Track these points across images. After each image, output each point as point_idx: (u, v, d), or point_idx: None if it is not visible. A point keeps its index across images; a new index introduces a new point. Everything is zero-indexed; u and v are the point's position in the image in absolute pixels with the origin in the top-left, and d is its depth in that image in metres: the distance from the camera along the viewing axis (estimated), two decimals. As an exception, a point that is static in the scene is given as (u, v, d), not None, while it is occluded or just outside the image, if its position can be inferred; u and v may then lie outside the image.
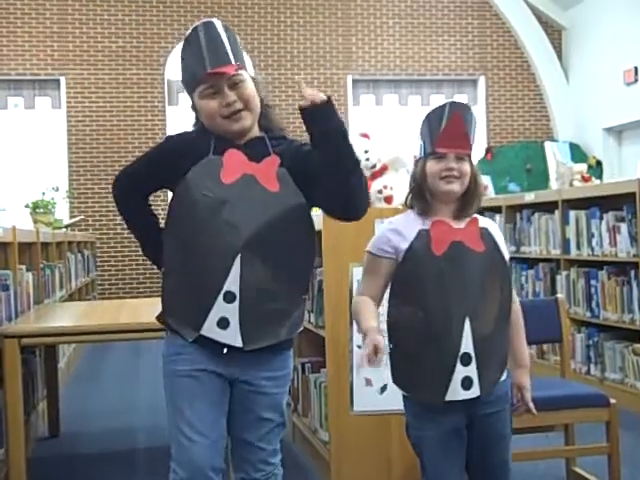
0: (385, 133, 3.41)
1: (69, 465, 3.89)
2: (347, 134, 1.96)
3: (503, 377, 2.16)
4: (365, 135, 3.25)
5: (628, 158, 10.08)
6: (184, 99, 10.03)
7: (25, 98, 9.90)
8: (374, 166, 3.19)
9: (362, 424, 3.18)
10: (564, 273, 5.29)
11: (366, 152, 3.18)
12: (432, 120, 2.13)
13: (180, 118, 9.90)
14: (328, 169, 1.93)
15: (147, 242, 2.17)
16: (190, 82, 2.03)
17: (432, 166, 2.10)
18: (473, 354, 2.05)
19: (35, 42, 9.84)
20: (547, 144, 6.05)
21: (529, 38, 10.89)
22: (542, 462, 3.37)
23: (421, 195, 2.13)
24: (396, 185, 3.20)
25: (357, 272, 3.16)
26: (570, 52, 10.91)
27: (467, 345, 2.05)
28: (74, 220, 8.74)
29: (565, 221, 5.25)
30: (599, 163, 10.02)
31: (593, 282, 4.96)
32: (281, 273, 2.00)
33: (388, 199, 3.19)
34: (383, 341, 1.96)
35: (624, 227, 4.62)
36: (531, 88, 11.02)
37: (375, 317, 2.05)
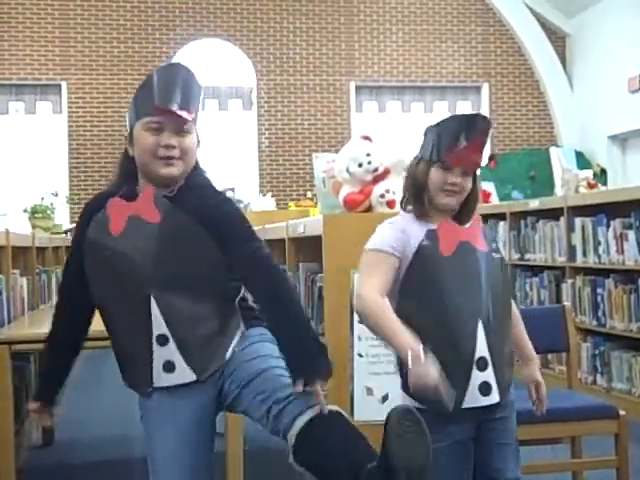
0: (388, 138, 3.32)
1: (62, 474, 3.81)
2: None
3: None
4: (367, 138, 3.16)
5: (633, 166, 10.01)
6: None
7: (26, 103, 9.87)
8: (376, 169, 3.10)
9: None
10: (570, 281, 5.20)
11: (368, 155, 3.09)
12: (452, 126, 2.04)
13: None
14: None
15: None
16: (139, 108, 1.94)
17: (436, 175, 2.02)
18: (489, 358, 1.98)
19: (36, 47, 9.81)
20: (552, 150, 5.98)
21: (533, 45, 10.84)
22: (548, 475, 3.26)
23: (419, 200, 2.06)
24: (399, 189, 3.11)
25: (358, 278, 3.07)
26: (574, 59, 10.85)
27: (482, 349, 1.97)
28: (74, 225, 8.67)
29: (571, 228, 5.17)
30: (603, 171, 9.95)
31: (599, 290, 4.87)
32: (196, 294, 1.93)
33: (390, 203, 3.10)
34: (432, 366, 1.85)
35: (632, 234, 4.53)
36: (535, 95, 10.96)
37: (402, 325, 1.92)
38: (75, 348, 2.12)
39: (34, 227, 6.44)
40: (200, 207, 1.93)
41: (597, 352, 4.94)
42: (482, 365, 1.97)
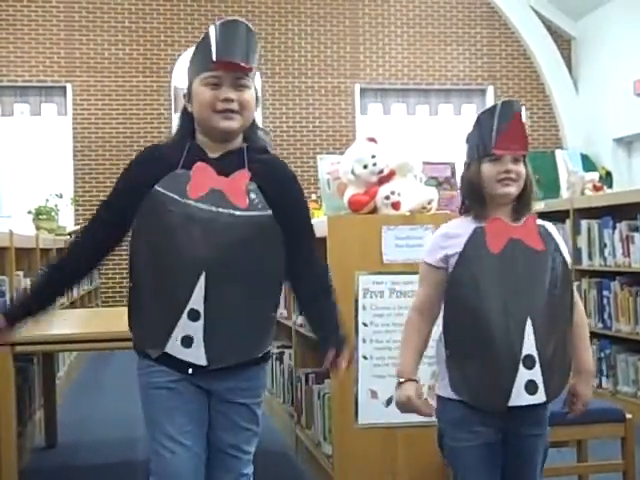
0: (392, 140, 3.31)
1: (65, 476, 3.80)
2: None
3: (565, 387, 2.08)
4: (372, 139, 3.15)
5: (638, 169, 9.98)
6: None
7: (31, 105, 9.87)
8: (381, 171, 3.08)
9: (367, 437, 3.07)
10: (575, 284, 5.16)
11: (373, 157, 3.08)
12: (486, 121, 2.06)
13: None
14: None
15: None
16: (197, 65, 1.96)
17: (488, 169, 2.03)
18: (537, 357, 1.96)
19: (41, 49, 9.81)
20: (558, 152, 5.95)
21: (538, 48, 10.80)
22: (554, 479, 3.24)
23: (477, 199, 2.06)
24: (404, 190, 3.10)
25: (363, 280, 3.06)
26: (580, 62, 10.82)
27: (529, 347, 1.96)
28: (78, 227, 8.67)
29: (577, 231, 5.15)
30: (609, 174, 9.91)
31: (605, 293, 4.85)
32: (248, 291, 1.93)
33: (395, 205, 3.08)
34: (414, 390, 2.00)
35: (638, 237, 4.51)
36: (540, 98, 10.93)
37: (416, 353, 2.07)
38: (67, 289, 2.09)
39: (38, 228, 6.45)
40: (283, 198, 1.97)
41: (603, 355, 4.92)
42: (529, 363, 1.96)
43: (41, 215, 6.68)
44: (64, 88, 9.88)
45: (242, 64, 1.92)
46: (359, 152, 3.10)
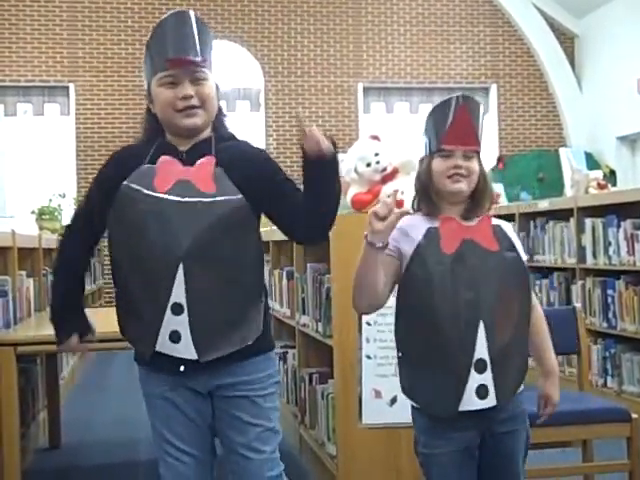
0: (395, 139, 3.29)
1: (68, 477, 3.79)
2: (339, 186, 1.95)
3: (521, 389, 2.02)
4: (375, 137, 3.14)
5: (642, 167, 9.95)
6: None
7: (34, 105, 9.86)
8: (385, 169, 3.07)
9: (371, 437, 3.06)
10: (579, 282, 5.15)
11: (376, 155, 3.07)
12: (437, 115, 2.01)
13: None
14: (309, 204, 1.89)
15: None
16: (151, 65, 1.94)
17: (438, 164, 1.98)
18: (488, 360, 1.91)
19: (44, 49, 9.80)
20: (562, 150, 5.94)
21: (541, 46, 10.78)
22: (559, 479, 3.23)
23: (427, 196, 2.01)
24: (407, 189, 3.08)
25: (366, 279, 3.04)
26: (583, 60, 10.80)
27: (482, 351, 1.91)
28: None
29: (581, 229, 5.12)
30: (612, 172, 9.88)
31: (610, 292, 4.82)
32: (228, 278, 1.91)
33: (399, 203, 3.05)
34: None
35: (643, 235, 4.49)
36: (543, 96, 10.90)
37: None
38: (81, 282, 2.06)
39: (41, 228, 6.44)
40: (250, 174, 1.92)
41: (608, 354, 4.89)
42: (481, 367, 1.91)
43: (44, 215, 6.67)
44: (67, 88, 9.88)
45: (195, 59, 1.89)
46: (362, 150, 3.09)
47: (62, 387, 4.86)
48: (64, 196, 7.28)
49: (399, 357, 2.00)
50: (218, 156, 1.92)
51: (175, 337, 1.89)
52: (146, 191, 1.88)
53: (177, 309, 1.87)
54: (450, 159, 1.97)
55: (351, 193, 3.13)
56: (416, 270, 1.94)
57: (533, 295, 2.09)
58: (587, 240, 5.07)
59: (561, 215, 5.42)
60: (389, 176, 3.10)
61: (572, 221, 5.22)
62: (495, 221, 2.03)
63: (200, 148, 1.94)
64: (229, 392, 1.96)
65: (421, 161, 2.06)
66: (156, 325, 1.89)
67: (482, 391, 1.92)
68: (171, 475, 1.96)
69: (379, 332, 3.04)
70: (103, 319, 3.95)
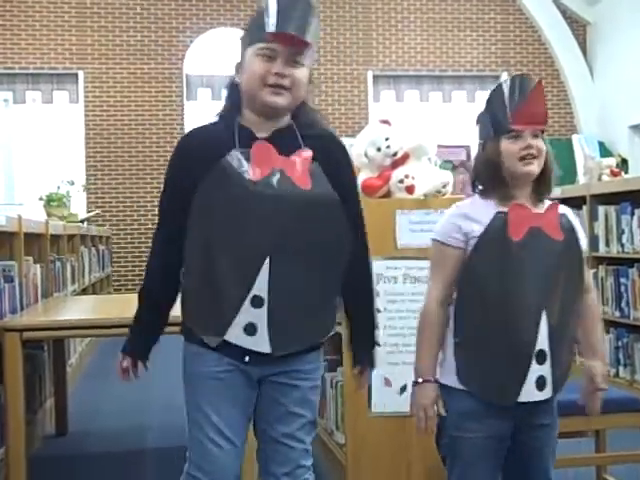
0: (406, 123, 3.23)
1: (75, 464, 3.77)
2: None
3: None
4: (386, 121, 3.08)
5: (654, 156, 9.84)
6: (203, 94, 10.03)
7: (43, 92, 9.84)
8: (395, 154, 3.01)
9: (380, 426, 3.02)
10: (592, 271, 5.09)
11: (387, 139, 3.01)
12: (499, 97, 1.96)
13: (198, 113, 9.80)
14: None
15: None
16: (252, 34, 1.87)
17: (508, 146, 1.92)
18: (548, 352, 1.90)
19: (53, 36, 9.77)
20: (575, 137, 5.86)
21: (553, 33, 10.67)
22: (572, 469, 3.18)
23: (498, 179, 1.94)
24: (418, 174, 3.03)
25: (377, 266, 2.99)
26: (595, 48, 10.69)
27: (542, 341, 1.89)
28: (90, 214, 8.65)
29: (594, 217, 5.06)
30: (624, 161, 9.78)
31: (623, 280, 4.77)
32: (313, 276, 1.86)
33: (409, 189, 3.01)
34: (436, 394, 1.95)
35: (657, 223, 4.43)
36: (555, 84, 10.80)
37: (437, 349, 1.97)
38: (173, 296, 1.97)
39: (49, 215, 6.42)
40: (340, 180, 1.89)
41: (620, 344, 4.84)
42: (541, 358, 1.89)
43: (52, 202, 6.64)
44: (76, 75, 9.85)
45: (300, 38, 1.83)
46: (372, 134, 3.04)
47: (69, 374, 4.85)
48: (73, 183, 7.26)
49: (456, 342, 1.96)
50: (309, 147, 1.87)
51: (251, 329, 1.83)
52: (239, 177, 1.81)
53: (257, 302, 1.82)
54: (520, 140, 1.92)
55: (361, 178, 3.08)
56: (481, 255, 1.91)
57: (590, 280, 2.08)
58: (600, 228, 5.01)
59: (573, 203, 5.34)
60: (400, 161, 3.04)
61: (585, 209, 5.16)
62: (562, 209, 2.00)
63: (283, 136, 1.88)
64: (280, 378, 1.91)
65: (481, 145, 2.00)
66: (231, 315, 1.83)
67: (541, 382, 1.91)
68: (206, 461, 1.87)
69: (389, 319, 3.00)
70: (111, 305, 3.94)
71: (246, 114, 1.90)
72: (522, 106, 1.92)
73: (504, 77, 10.66)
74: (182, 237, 1.87)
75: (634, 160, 9.84)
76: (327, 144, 1.93)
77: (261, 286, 1.81)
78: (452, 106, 10.65)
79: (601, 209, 4.99)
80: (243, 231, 1.81)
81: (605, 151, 9.77)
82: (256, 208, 1.80)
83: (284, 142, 1.87)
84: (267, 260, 1.80)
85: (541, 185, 1.97)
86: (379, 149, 3.01)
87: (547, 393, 1.92)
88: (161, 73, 9.96)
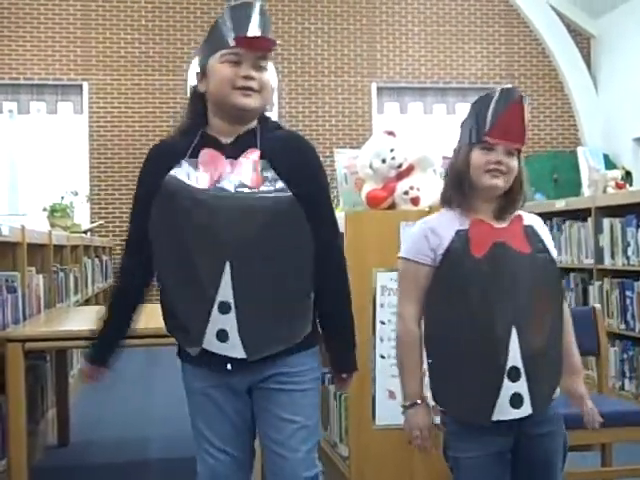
0: (411, 134, 3.22)
1: (77, 475, 3.75)
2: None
3: (556, 393, 1.96)
4: (391, 133, 3.07)
5: (659, 169, 9.82)
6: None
7: (47, 103, 9.87)
8: (400, 165, 3.01)
9: (384, 439, 2.99)
10: (597, 283, 5.07)
11: (392, 151, 3.00)
12: (483, 106, 1.92)
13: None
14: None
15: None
16: (214, 43, 1.88)
17: (478, 157, 1.89)
18: (522, 368, 1.84)
19: (58, 47, 9.80)
20: (580, 149, 5.84)
21: (557, 46, 10.69)
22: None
23: (459, 187, 1.91)
24: (423, 186, 3.02)
25: (381, 277, 2.98)
26: (599, 61, 10.70)
27: (515, 358, 1.84)
28: (93, 225, 8.65)
29: (599, 229, 5.04)
30: (628, 174, 9.76)
31: (628, 293, 4.74)
32: (276, 276, 1.85)
33: (414, 200, 3.00)
34: (429, 415, 1.92)
35: (662, 236, 4.40)
36: (559, 97, 10.81)
37: (419, 373, 1.94)
38: (136, 308, 2.01)
39: (53, 226, 6.42)
40: (297, 171, 1.87)
41: (625, 357, 4.81)
42: (514, 375, 1.84)
43: (56, 212, 6.64)
44: (80, 86, 9.88)
45: (263, 37, 1.85)
46: (377, 146, 3.03)
47: (72, 384, 4.83)
48: (76, 194, 7.25)
49: (429, 363, 1.94)
50: (264, 148, 1.87)
51: (222, 336, 1.84)
52: (190, 186, 1.82)
53: (224, 308, 1.82)
54: (491, 153, 1.89)
55: (366, 189, 3.07)
56: (446, 274, 1.88)
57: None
58: (605, 240, 4.99)
59: (578, 215, 5.34)
60: (404, 172, 3.03)
61: (590, 221, 5.15)
62: (527, 220, 1.96)
63: (245, 140, 1.89)
64: (267, 384, 1.91)
65: (457, 150, 1.97)
66: (202, 324, 1.84)
67: (516, 400, 1.85)
68: (208, 473, 1.93)
69: (393, 331, 2.97)
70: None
71: (213, 122, 1.91)
72: (500, 120, 1.88)
73: (508, 89, 10.66)
74: (148, 250, 1.90)
75: (638, 173, 9.83)
76: (287, 144, 1.92)
77: (226, 292, 1.82)
78: (456, 118, 10.64)
79: (606, 221, 4.97)
80: (199, 239, 1.81)
81: (609, 164, 9.76)
82: (205, 216, 1.81)
83: (244, 145, 1.88)
84: (227, 266, 1.81)
85: (507, 202, 1.93)
86: (384, 160, 3.00)
87: (525, 410, 1.86)
88: (165, 84, 9.98)
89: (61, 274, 5.03)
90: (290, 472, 1.90)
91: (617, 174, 5.40)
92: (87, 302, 6.48)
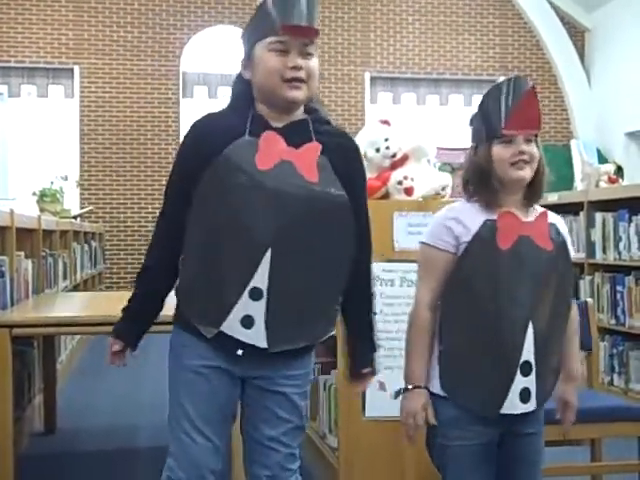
0: (405, 124, 3.20)
1: (64, 462, 3.72)
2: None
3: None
4: (386, 122, 3.05)
5: (650, 164, 9.84)
6: (199, 92, 9.97)
7: (38, 86, 9.79)
8: (394, 155, 2.98)
9: (374, 430, 2.98)
10: (588, 278, 5.07)
11: (386, 140, 2.98)
12: (494, 100, 1.91)
13: (194, 111, 9.75)
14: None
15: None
16: (260, 28, 1.83)
17: (500, 151, 1.88)
18: (534, 363, 1.86)
19: (50, 30, 9.72)
20: (573, 143, 5.84)
21: (551, 39, 10.68)
22: (567, 478, 3.15)
23: (487, 185, 1.89)
24: (417, 176, 3.00)
25: (374, 268, 2.95)
26: (593, 54, 10.69)
27: (528, 353, 1.85)
28: (83, 211, 8.60)
29: (591, 223, 5.03)
30: (620, 168, 9.77)
31: (619, 288, 4.74)
32: (315, 271, 1.82)
33: (408, 190, 2.98)
34: (426, 400, 1.90)
35: (654, 231, 4.40)
36: (552, 90, 10.81)
37: (427, 356, 1.93)
38: (168, 287, 1.93)
39: (42, 211, 6.37)
40: (350, 178, 1.86)
41: (615, 352, 4.82)
42: (526, 370, 1.86)
43: (45, 197, 6.59)
44: (72, 70, 9.80)
45: (311, 28, 1.80)
46: (372, 135, 3.00)
47: (59, 371, 4.80)
48: (66, 178, 7.20)
49: (440, 351, 1.92)
50: (320, 142, 1.84)
51: (247, 322, 1.80)
52: (247, 166, 1.78)
53: (256, 294, 1.78)
54: (512, 145, 1.88)
55: (359, 179, 3.04)
56: (469, 263, 1.87)
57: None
58: (597, 235, 4.98)
59: (570, 209, 5.33)
60: (399, 162, 3.01)
61: (582, 215, 5.14)
62: (551, 218, 1.96)
63: (297, 129, 1.85)
64: (267, 385, 1.88)
65: (473, 149, 1.96)
66: (229, 306, 1.79)
67: (525, 395, 1.87)
68: (182, 454, 1.85)
69: (385, 322, 2.96)
70: (103, 302, 3.89)
71: (260, 107, 1.87)
72: (515, 111, 1.87)
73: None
74: (185, 224, 1.84)
75: (630, 168, 9.84)
76: (340, 142, 1.89)
77: (261, 279, 1.78)
78: (449, 109, 10.63)
79: (598, 216, 4.96)
80: (245, 220, 1.77)
81: (601, 158, 9.77)
82: (259, 198, 1.77)
83: (297, 134, 1.84)
84: (268, 253, 1.77)
85: (533, 191, 1.93)
86: (378, 150, 2.98)
87: (531, 405, 1.88)
88: (157, 70, 9.91)
89: (50, 259, 4.99)
90: (279, 464, 1.89)
91: (610, 168, 5.41)
92: (76, 288, 6.44)
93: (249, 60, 1.85)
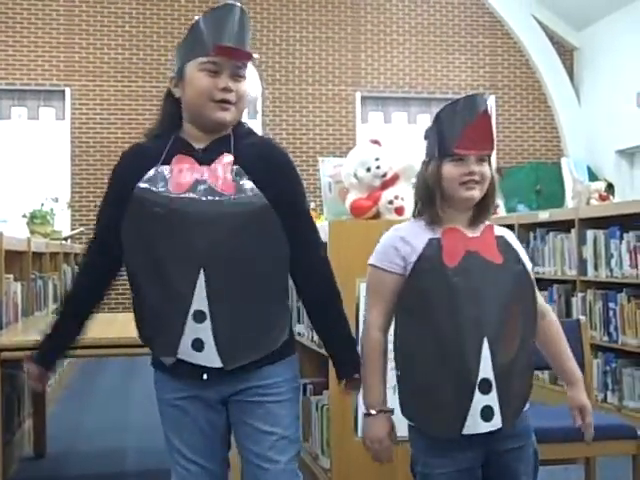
0: (396, 143, 3.20)
1: (53, 488, 3.67)
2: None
3: (526, 407, 1.92)
4: (376, 142, 3.05)
5: (641, 181, 9.89)
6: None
7: (29, 108, 9.79)
8: (385, 175, 2.98)
9: (366, 451, 2.95)
10: (580, 295, 5.07)
11: (377, 160, 2.98)
12: (448, 117, 1.87)
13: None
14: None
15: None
16: (193, 47, 1.83)
17: (450, 170, 1.84)
18: (493, 380, 1.79)
19: (41, 52, 9.73)
20: (564, 161, 5.85)
21: (540, 58, 10.74)
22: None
23: (433, 202, 1.86)
24: (408, 195, 2.99)
25: (364, 288, 2.94)
26: (582, 73, 10.76)
27: (486, 370, 1.79)
28: (74, 232, 8.56)
29: (582, 241, 5.04)
30: (611, 186, 9.79)
31: (611, 305, 4.74)
32: (251, 280, 1.81)
33: (399, 210, 2.98)
34: (390, 425, 1.88)
35: (646, 248, 4.40)
36: (542, 108, 10.86)
37: (382, 381, 1.89)
38: (91, 312, 1.97)
39: (32, 232, 6.33)
40: (271, 178, 1.83)
41: (608, 369, 4.81)
42: (485, 388, 1.79)
43: (35, 219, 6.56)
44: (63, 92, 9.80)
45: (243, 51, 1.81)
46: (362, 154, 3.00)
47: (49, 395, 4.75)
48: (57, 200, 7.17)
49: (397, 375, 1.89)
50: (238, 154, 1.84)
51: (198, 345, 1.80)
52: (162, 193, 1.79)
53: (199, 317, 1.78)
54: (464, 164, 1.85)
55: (350, 199, 3.04)
56: (417, 284, 1.83)
57: (544, 302, 2.00)
58: (588, 252, 4.99)
59: (561, 226, 5.34)
60: (389, 182, 3.01)
61: (573, 232, 5.14)
62: (498, 231, 1.92)
63: (218, 146, 1.85)
64: (242, 397, 1.87)
65: (425, 164, 1.92)
66: (177, 333, 1.80)
67: (487, 413, 1.80)
68: None
69: (377, 342, 2.94)
70: (93, 325, 3.85)
71: (187, 127, 1.88)
72: (468, 130, 1.83)
73: (492, 100, 10.70)
74: (112, 252, 1.87)
75: (620, 185, 9.88)
76: (262, 150, 1.89)
77: (200, 300, 1.78)
78: (440, 128, 10.66)
79: (590, 233, 4.97)
80: (171, 247, 1.77)
81: (592, 176, 9.79)
82: (180, 221, 1.77)
83: (218, 151, 1.84)
84: (202, 274, 1.77)
85: (481, 210, 1.90)
86: (369, 169, 2.98)
87: (495, 424, 1.81)
88: (149, 91, 9.92)
89: (39, 282, 4.96)
90: None
91: (600, 186, 5.42)
92: (66, 310, 6.38)
93: (180, 79, 1.86)
